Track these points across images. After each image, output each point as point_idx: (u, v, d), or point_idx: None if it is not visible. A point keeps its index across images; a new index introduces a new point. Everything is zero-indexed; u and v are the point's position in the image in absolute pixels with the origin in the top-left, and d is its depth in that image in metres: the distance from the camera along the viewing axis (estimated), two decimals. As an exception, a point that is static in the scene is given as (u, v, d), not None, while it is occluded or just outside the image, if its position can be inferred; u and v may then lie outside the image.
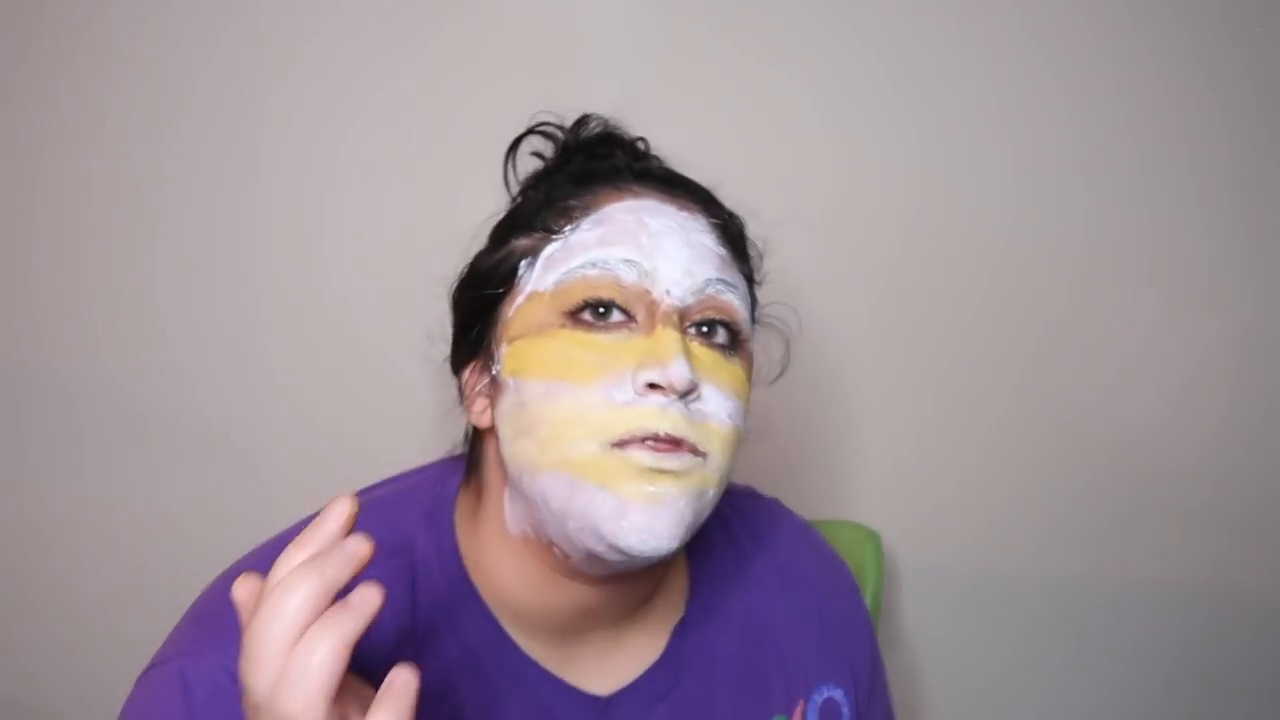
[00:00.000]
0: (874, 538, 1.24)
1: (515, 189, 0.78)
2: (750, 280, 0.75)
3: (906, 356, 1.30)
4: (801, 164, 1.26)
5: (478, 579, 0.71)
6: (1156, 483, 1.31)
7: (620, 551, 0.63)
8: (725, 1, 1.25)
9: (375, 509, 0.72)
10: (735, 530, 0.84)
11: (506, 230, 0.73)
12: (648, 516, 0.62)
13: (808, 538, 0.88)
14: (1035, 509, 1.33)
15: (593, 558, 0.66)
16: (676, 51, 1.26)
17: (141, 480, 1.31)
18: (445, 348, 0.76)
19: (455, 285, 0.75)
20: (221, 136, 1.26)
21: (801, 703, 0.79)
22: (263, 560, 0.54)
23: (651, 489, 0.63)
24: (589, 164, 0.75)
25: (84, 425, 1.31)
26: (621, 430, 0.63)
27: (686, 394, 0.64)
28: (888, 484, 1.33)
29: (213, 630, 0.64)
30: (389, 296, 1.24)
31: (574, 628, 0.72)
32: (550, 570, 0.69)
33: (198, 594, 0.70)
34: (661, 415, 0.63)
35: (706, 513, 0.67)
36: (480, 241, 0.75)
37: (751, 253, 0.76)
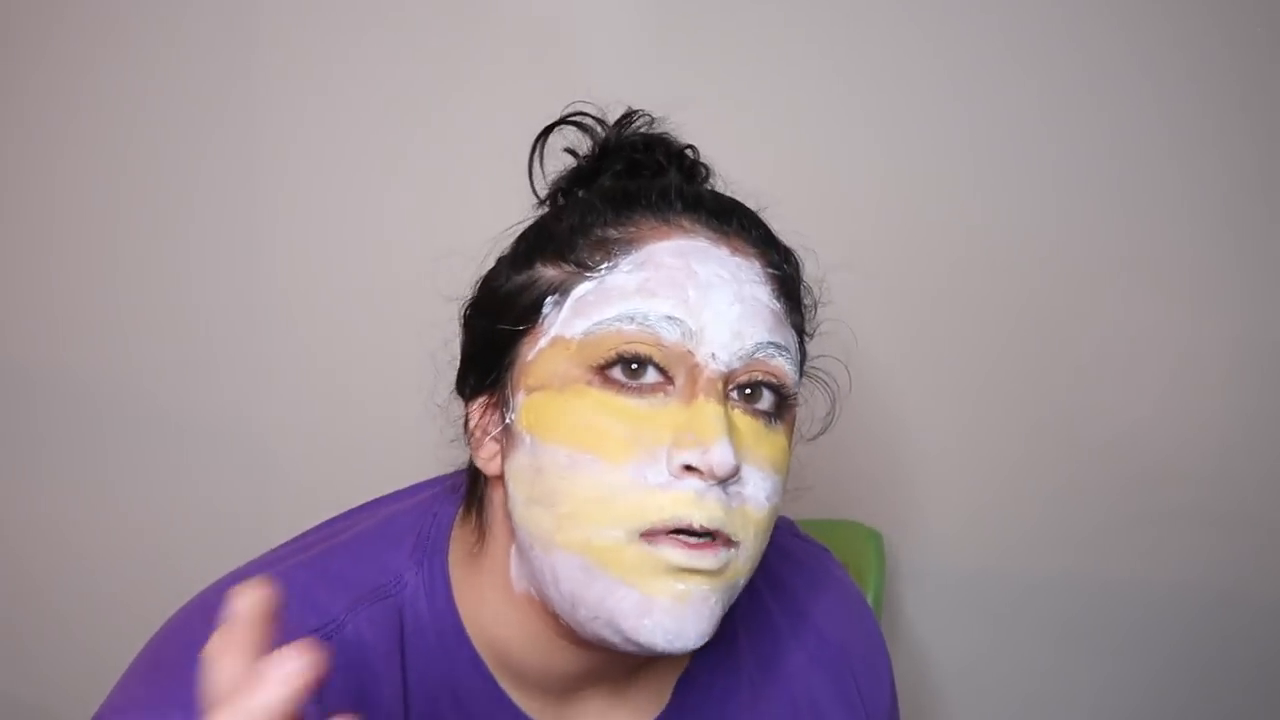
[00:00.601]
0: (874, 538, 1.25)
1: (541, 187, 0.71)
2: (801, 333, 0.67)
3: (906, 357, 1.31)
4: (798, 162, 1.27)
5: (472, 629, 0.66)
6: (1154, 482, 1.33)
7: (640, 647, 0.58)
8: (729, 4, 1.26)
9: (360, 543, 0.68)
10: None
11: (532, 250, 0.65)
12: (675, 618, 0.57)
13: (826, 573, 0.82)
14: (1035, 508, 1.34)
15: (603, 640, 0.60)
16: (683, 55, 1.27)
17: (159, 478, 1.31)
18: (451, 372, 0.69)
19: (468, 305, 0.68)
20: (238, 138, 1.27)
21: None
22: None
23: (681, 587, 0.57)
24: (631, 182, 0.67)
25: (100, 423, 1.31)
26: (654, 518, 0.57)
27: (726, 479, 0.58)
28: (888, 484, 1.33)
29: (174, 684, 0.56)
30: (411, 296, 1.23)
31: (574, 686, 0.68)
32: (554, 635, 0.64)
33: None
34: (698, 504, 0.57)
35: (734, 600, 0.61)
36: (500, 250, 0.68)
37: (805, 300, 0.68)
